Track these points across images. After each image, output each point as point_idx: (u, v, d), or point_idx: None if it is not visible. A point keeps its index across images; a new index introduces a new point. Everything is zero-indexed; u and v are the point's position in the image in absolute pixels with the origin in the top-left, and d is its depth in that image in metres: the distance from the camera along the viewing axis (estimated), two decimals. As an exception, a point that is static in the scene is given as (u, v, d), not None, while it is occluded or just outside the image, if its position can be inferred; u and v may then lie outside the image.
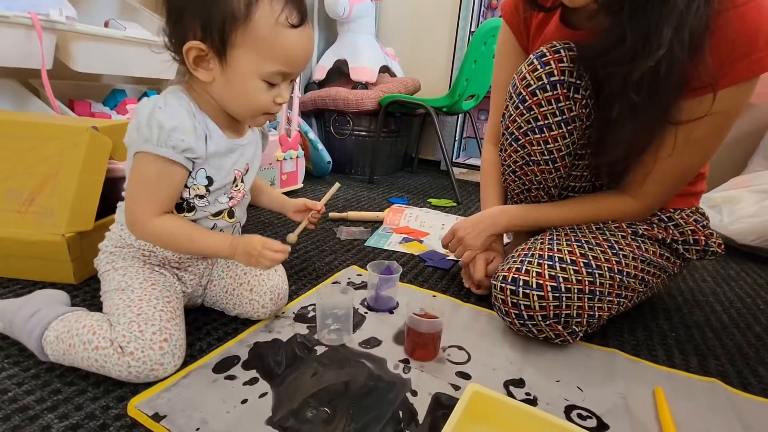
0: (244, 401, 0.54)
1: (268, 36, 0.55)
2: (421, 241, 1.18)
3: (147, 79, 1.51)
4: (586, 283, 0.67)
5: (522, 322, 0.68)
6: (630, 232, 0.76)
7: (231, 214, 0.70)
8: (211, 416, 0.51)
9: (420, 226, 1.30)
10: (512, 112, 0.76)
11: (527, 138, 0.75)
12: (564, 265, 0.67)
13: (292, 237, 0.75)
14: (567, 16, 0.76)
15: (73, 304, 0.68)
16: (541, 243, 0.73)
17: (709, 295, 0.98)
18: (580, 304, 0.67)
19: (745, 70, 0.60)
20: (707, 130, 0.65)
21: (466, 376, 0.63)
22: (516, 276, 0.68)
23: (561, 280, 0.66)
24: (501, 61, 0.91)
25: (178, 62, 0.60)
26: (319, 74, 2.04)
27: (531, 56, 0.72)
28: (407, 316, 0.65)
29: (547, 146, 0.74)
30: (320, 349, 0.66)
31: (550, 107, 0.71)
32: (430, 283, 0.94)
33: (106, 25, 1.29)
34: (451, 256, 1.05)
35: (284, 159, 1.52)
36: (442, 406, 0.56)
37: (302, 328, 0.71)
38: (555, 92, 0.69)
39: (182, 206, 0.64)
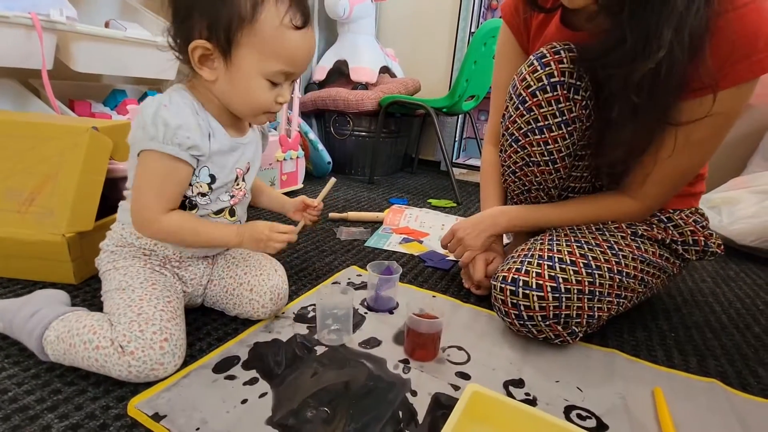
0: (244, 401, 0.54)
1: (273, 36, 0.57)
2: (420, 242, 1.18)
3: (147, 80, 1.51)
4: (586, 283, 0.67)
5: (522, 322, 0.68)
6: (629, 232, 0.76)
7: (232, 213, 0.71)
8: (211, 416, 0.52)
9: (420, 226, 1.31)
10: (512, 113, 0.76)
11: (527, 139, 0.75)
12: (564, 266, 0.68)
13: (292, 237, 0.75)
14: (567, 17, 0.76)
15: (74, 304, 0.68)
16: (541, 243, 0.73)
17: (708, 296, 0.99)
18: (580, 304, 0.67)
19: (745, 72, 0.60)
20: (707, 131, 0.66)
21: (465, 377, 0.63)
22: (516, 276, 0.68)
23: (561, 280, 0.66)
24: (501, 61, 0.91)
25: (181, 61, 0.61)
26: (320, 75, 2.04)
27: (531, 57, 0.72)
28: (407, 316, 0.65)
29: (547, 147, 0.74)
30: (320, 349, 0.66)
31: (550, 108, 0.71)
32: (429, 283, 0.94)
33: (107, 25, 1.29)
34: (451, 257, 1.05)
35: (284, 159, 1.52)
36: (442, 406, 0.56)
37: (302, 329, 0.71)
38: (555, 93, 0.70)
39: (184, 204, 0.65)
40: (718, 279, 1.09)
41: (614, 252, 0.71)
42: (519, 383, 0.62)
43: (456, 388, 0.60)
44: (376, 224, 1.32)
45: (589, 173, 0.80)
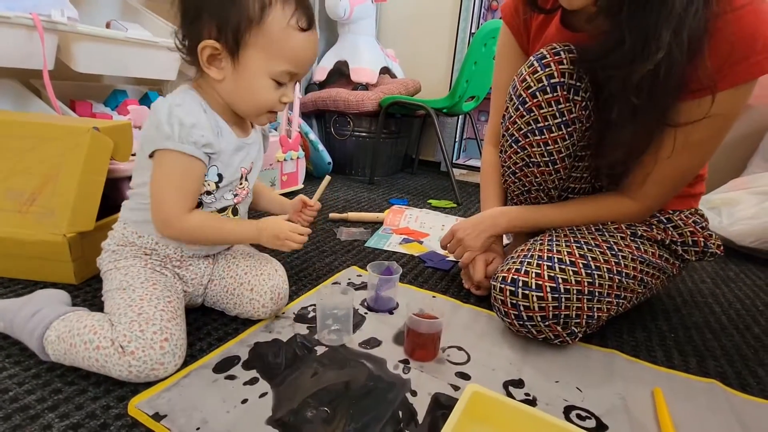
0: (245, 401, 0.54)
1: (279, 37, 0.59)
2: (421, 242, 1.18)
3: (148, 80, 1.51)
4: (585, 284, 0.68)
5: (521, 322, 0.68)
6: (629, 233, 0.76)
7: (235, 212, 0.72)
8: (211, 416, 0.52)
9: (420, 227, 1.31)
10: (512, 114, 0.76)
11: (527, 139, 0.75)
12: (563, 266, 0.68)
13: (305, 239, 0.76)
14: (567, 18, 0.76)
15: (74, 304, 0.69)
16: (541, 244, 0.73)
17: (708, 297, 0.99)
18: (579, 305, 0.67)
19: (743, 73, 0.60)
20: (706, 132, 0.66)
21: (465, 377, 0.63)
22: (515, 277, 0.68)
23: (560, 281, 0.66)
24: (501, 62, 0.91)
25: (188, 62, 0.63)
26: (320, 75, 2.05)
27: (531, 58, 0.72)
28: (407, 316, 0.65)
29: (547, 148, 0.74)
30: (320, 350, 0.66)
31: (550, 109, 0.71)
32: (429, 283, 0.94)
33: (108, 26, 1.29)
34: (451, 257, 1.05)
35: (285, 160, 1.52)
36: (442, 406, 0.56)
37: (302, 329, 0.71)
38: (555, 94, 0.70)
39: None
40: (718, 280, 1.09)
41: (614, 252, 0.72)
42: (519, 383, 0.62)
43: (456, 388, 0.60)
44: (376, 225, 1.32)
45: (588, 174, 0.80)
